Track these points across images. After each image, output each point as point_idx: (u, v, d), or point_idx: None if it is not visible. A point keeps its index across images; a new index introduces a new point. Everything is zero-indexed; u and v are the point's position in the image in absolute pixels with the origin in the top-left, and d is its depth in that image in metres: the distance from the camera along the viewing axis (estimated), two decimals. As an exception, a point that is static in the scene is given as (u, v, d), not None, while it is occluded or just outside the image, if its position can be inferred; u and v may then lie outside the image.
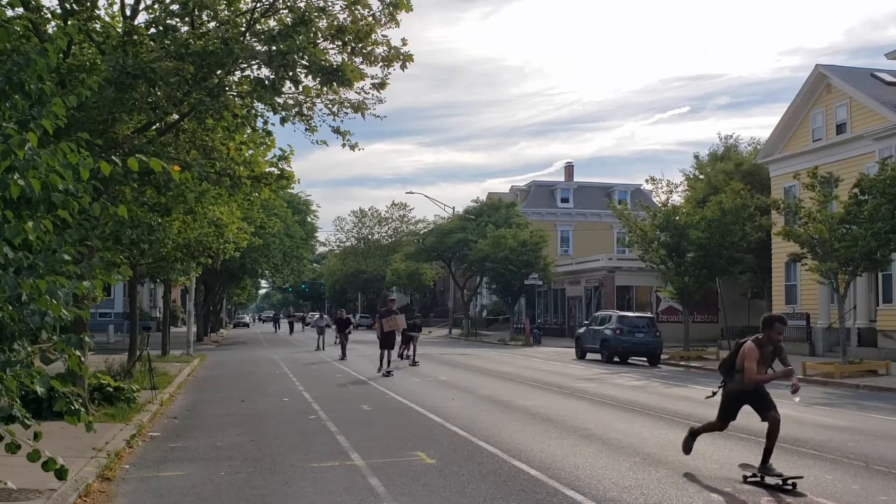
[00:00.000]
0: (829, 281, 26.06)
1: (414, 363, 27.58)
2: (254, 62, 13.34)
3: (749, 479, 9.16)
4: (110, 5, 13.69)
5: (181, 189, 15.00)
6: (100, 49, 12.94)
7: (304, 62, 12.83)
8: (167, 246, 20.32)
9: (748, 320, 44.41)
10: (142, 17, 13.52)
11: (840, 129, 34.88)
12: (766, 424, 9.26)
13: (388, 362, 23.14)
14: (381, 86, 13.97)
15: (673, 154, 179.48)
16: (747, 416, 14.64)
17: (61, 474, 5.53)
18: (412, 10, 13.43)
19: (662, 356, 30.82)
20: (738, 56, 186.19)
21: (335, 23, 13.45)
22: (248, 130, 15.19)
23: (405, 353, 29.01)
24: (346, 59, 13.49)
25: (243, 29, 13.34)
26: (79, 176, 5.44)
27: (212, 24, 13.42)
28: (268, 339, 56.79)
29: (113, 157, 7.10)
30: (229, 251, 24.73)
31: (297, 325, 72.88)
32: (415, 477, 9.34)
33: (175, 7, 13.00)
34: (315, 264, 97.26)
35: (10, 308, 5.21)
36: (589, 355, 32.86)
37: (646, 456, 10.68)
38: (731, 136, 60.36)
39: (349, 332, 34.08)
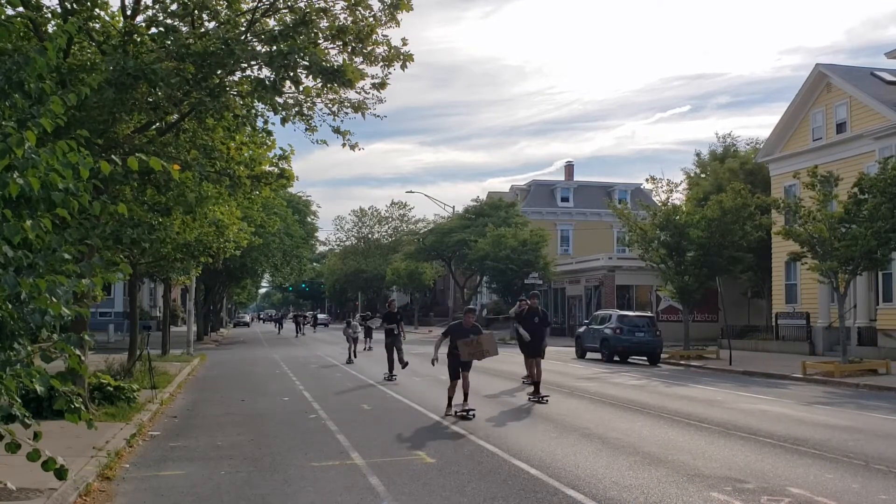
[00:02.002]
0: (829, 280, 26.04)
1: (539, 398, 16.73)
2: (254, 62, 13.34)
3: None
4: (105, 7, 13.67)
5: (181, 189, 15.02)
6: (100, 49, 12.94)
7: (304, 62, 12.83)
8: (167, 245, 20.32)
9: (748, 319, 44.43)
10: (142, 17, 13.53)
11: (840, 128, 34.87)
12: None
13: (465, 396, 14.58)
14: (381, 86, 13.98)
15: (673, 153, 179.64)
16: (746, 415, 14.66)
17: (61, 474, 5.53)
18: (412, 9, 13.43)
19: (662, 355, 30.79)
20: (739, 55, 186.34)
21: (336, 23, 13.46)
22: (249, 130, 15.20)
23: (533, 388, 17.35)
24: (347, 59, 13.49)
25: (244, 29, 13.34)
26: (79, 175, 5.44)
27: (212, 24, 13.41)
28: (268, 338, 56.79)
29: (113, 156, 7.10)
30: (229, 250, 24.75)
31: (308, 328, 66.41)
32: (415, 476, 9.34)
33: (175, 7, 13.01)
34: (315, 264, 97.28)
35: (10, 307, 5.21)
36: (589, 354, 32.85)
37: (646, 455, 10.68)
38: (729, 135, 60.47)
39: (401, 334, 22.78)
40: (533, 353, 17.93)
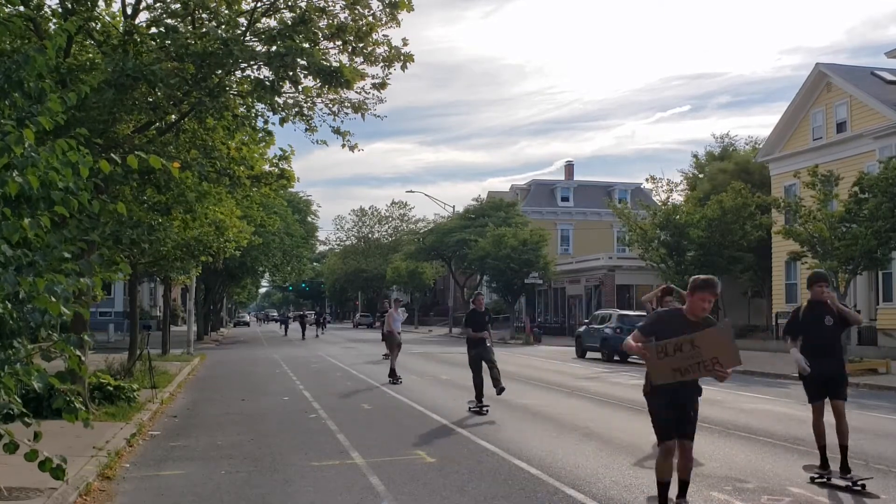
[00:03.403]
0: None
1: (854, 481, 8.87)
2: (253, 63, 13.34)
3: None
4: (109, 5, 13.68)
5: (181, 188, 15.03)
6: (100, 49, 12.95)
7: (303, 63, 12.82)
8: (167, 245, 20.33)
9: (748, 319, 44.40)
10: (142, 17, 13.54)
11: (840, 127, 34.88)
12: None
13: (684, 485, 7.66)
14: (381, 86, 13.98)
15: (674, 153, 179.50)
16: (747, 414, 14.66)
17: (58, 474, 5.51)
18: (413, 9, 13.41)
19: (663, 355, 30.77)
20: (739, 55, 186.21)
21: (335, 22, 13.45)
22: (249, 130, 15.21)
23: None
24: (347, 59, 13.49)
25: (244, 28, 13.33)
26: (78, 173, 5.43)
27: (212, 24, 13.41)
28: (268, 338, 56.76)
29: (112, 155, 7.09)
30: (229, 250, 24.74)
31: (317, 329, 61.32)
32: (415, 476, 9.34)
33: (176, 6, 13.01)
34: (315, 263, 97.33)
35: (10, 305, 5.20)
36: (589, 354, 32.85)
37: (646, 455, 10.67)
38: (727, 136, 60.76)
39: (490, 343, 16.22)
40: (822, 389, 9.45)
